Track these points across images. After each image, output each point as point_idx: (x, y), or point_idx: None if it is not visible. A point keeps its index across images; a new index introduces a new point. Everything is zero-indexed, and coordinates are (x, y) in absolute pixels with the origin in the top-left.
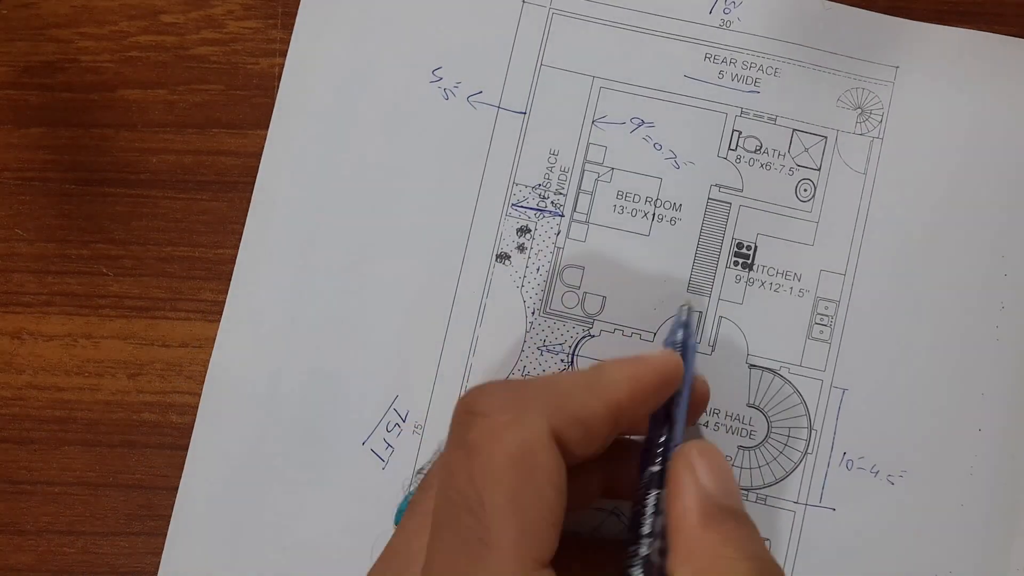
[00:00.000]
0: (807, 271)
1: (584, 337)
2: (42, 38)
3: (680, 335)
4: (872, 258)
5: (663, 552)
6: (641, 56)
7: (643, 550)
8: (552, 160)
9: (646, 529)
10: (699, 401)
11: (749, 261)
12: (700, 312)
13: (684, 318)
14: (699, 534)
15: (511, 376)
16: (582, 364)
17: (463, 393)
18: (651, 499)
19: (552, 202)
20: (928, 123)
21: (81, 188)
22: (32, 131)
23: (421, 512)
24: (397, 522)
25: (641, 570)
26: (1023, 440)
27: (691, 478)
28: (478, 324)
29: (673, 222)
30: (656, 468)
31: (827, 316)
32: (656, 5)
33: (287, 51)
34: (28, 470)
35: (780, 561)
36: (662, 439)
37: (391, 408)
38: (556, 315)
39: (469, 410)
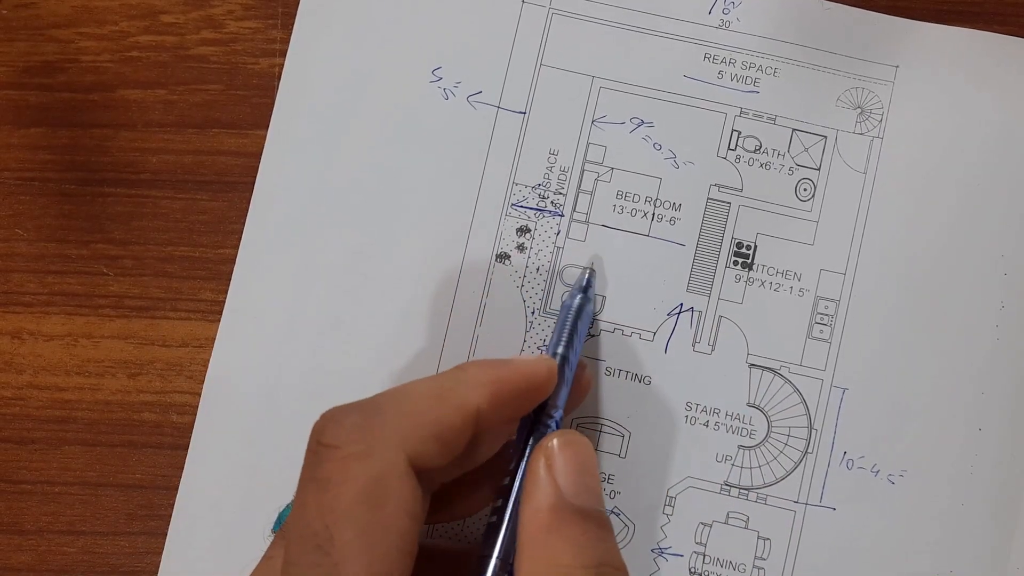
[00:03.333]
0: (807, 271)
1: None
2: (42, 38)
3: (578, 300)
4: (872, 258)
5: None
6: (641, 56)
7: (491, 564)
8: (552, 160)
9: (497, 537)
10: (581, 391)
11: (749, 261)
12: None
13: (584, 282)
14: (543, 539)
15: None
16: None
17: (317, 420)
18: (503, 504)
19: (552, 202)
20: (928, 123)
21: (81, 188)
22: (32, 131)
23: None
24: (275, 529)
25: None
26: (1023, 440)
27: (547, 475)
28: (478, 324)
29: (673, 222)
30: (507, 480)
31: (827, 316)
32: (656, 5)
33: (287, 51)
34: (28, 470)
35: (780, 561)
36: (524, 444)
37: None
38: (556, 315)
39: (320, 441)
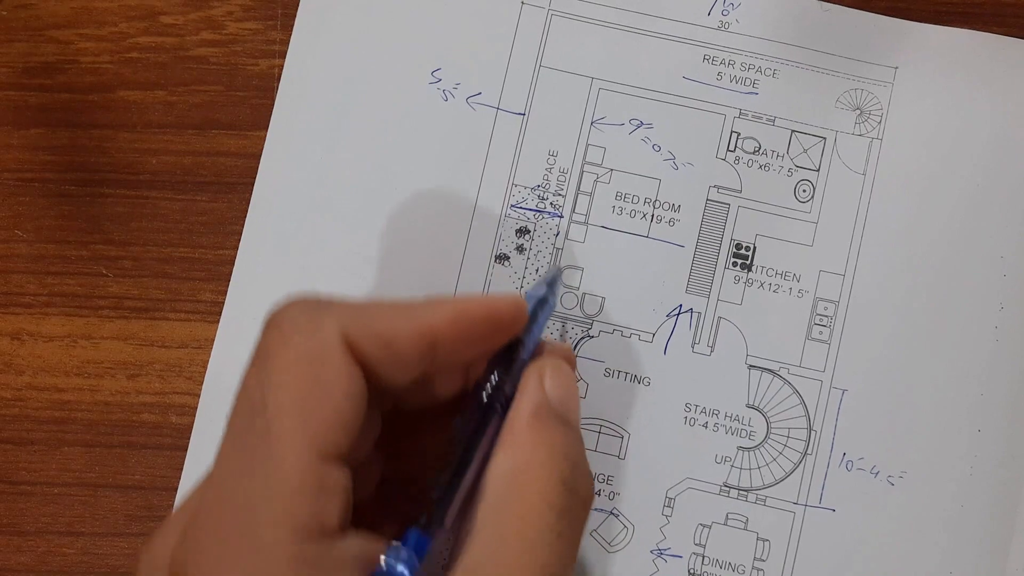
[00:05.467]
0: (806, 272)
1: (583, 338)
2: (42, 39)
3: (543, 291)
4: (871, 258)
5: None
6: (640, 57)
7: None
8: (551, 161)
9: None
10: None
11: (748, 262)
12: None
13: (551, 277)
14: (526, 430)
15: None
16: (581, 365)
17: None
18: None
19: (551, 203)
20: (927, 123)
21: (80, 189)
22: (32, 132)
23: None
24: None
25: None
26: (1023, 440)
27: (537, 384)
28: None
29: (672, 223)
30: (471, 417)
31: (826, 317)
32: (655, 7)
33: (287, 52)
34: (28, 471)
35: (780, 562)
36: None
37: None
38: (555, 316)
39: (269, 321)
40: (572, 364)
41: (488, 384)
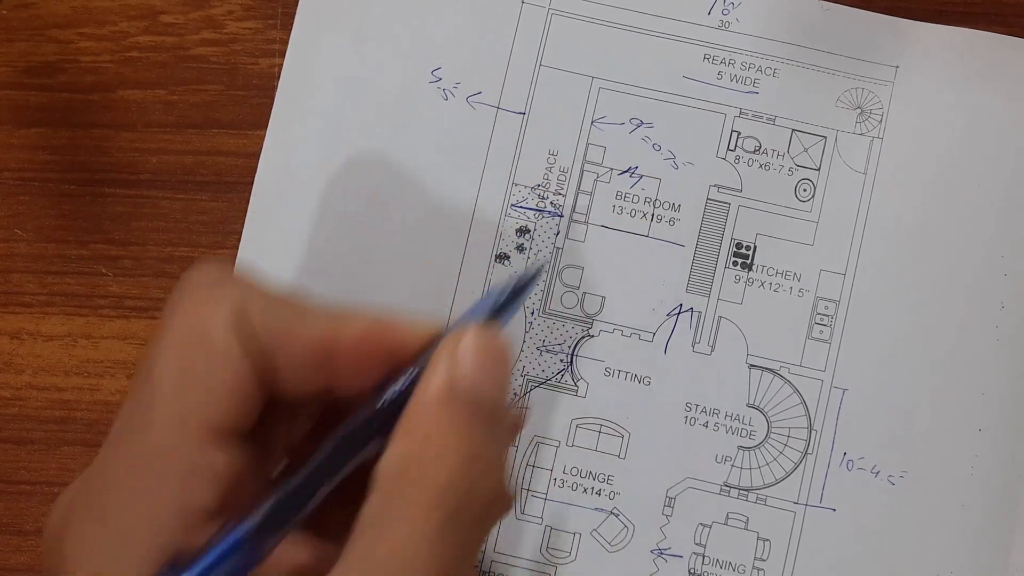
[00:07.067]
0: (807, 271)
1: (583, 337)
2: (42, 38)
3: (504, 296)
4: (872, 258)
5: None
6: (640, 57)
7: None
8: (551, 160)
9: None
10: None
11: (748, 261)
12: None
13: (525, 279)
14: (424, 415)
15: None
16: (581, 364)
17: None
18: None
19: (551, 202)
20: (928, 123)
21: (81, 188)
22: (32, 131)
23: None
24: None
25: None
26: (1023, 440)
27: (448, 360)
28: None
29: (672, 222)
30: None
31: (827, 316)
32: (655, 6)
33: (286, 51)
34: (28, 470)
35: (780, 562)
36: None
37: None
38: (555, 315)
39: (177, 284)
40: (503, 351)
41: (391, 386)
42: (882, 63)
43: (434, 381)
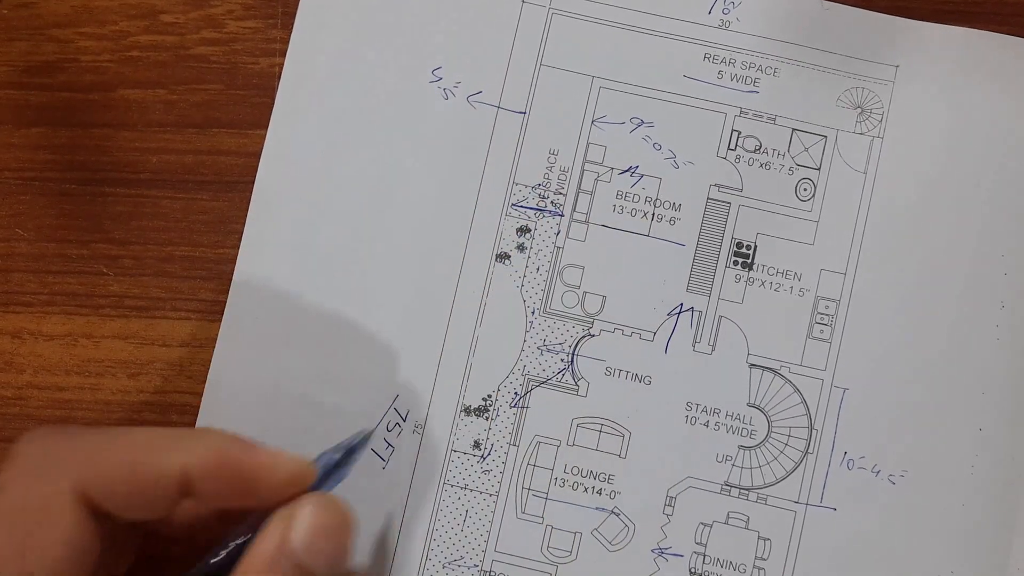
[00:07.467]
0: (807, 270)
1: (584, 336)
2: (42, 38)
3: (337, 456)
4: (872, 257)
5: None
6: (640, 56)
7: None
8: (552, 160)
9: None
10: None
11: (749, 260)
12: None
13: (354, 442)
14: None
15: (511, 374)
16: (582, 364)
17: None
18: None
19: (552, 202)
20: (928, 122)
21: (81, 188)
22: (32, 131)
23: None
24: None
25: None
26: (1023, 440)
27: (278, 530)
28: (478, 324)
29: (673, 222)
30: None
31: (827, 315)
32: (655, 5)
33: (287, 51)
34: None
35: (780, 561)
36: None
37: (391, 408)
38: (556, 315)
39: (9, 455)
40: (340, 524)
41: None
42: (882, 62)
43: (259, 554)
